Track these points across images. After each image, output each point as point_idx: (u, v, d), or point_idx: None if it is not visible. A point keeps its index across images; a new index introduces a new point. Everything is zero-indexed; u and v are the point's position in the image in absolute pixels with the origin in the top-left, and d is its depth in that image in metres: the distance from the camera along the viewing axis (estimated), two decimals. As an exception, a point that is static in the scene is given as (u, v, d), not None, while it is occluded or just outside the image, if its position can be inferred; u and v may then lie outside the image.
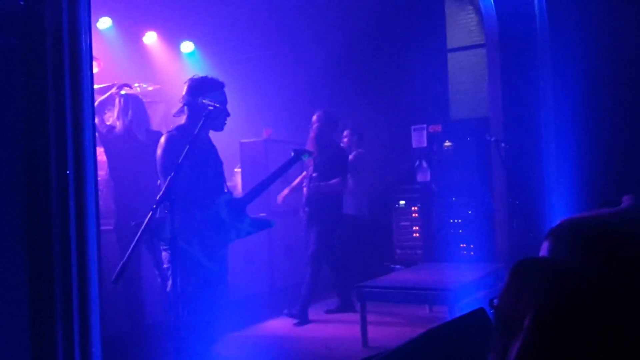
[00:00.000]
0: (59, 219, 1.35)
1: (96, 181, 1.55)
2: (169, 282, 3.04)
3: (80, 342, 1.43)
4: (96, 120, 5.01)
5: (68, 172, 1.34)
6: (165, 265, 3.04)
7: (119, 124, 4.19)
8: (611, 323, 0.90)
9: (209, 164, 3.27)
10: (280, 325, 5.22)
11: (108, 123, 4.30)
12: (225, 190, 3.36)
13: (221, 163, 3.45)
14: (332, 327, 5.15)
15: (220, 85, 3.24)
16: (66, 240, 1.37)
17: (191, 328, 3.01)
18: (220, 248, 3.17)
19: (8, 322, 1.32)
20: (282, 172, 3.47)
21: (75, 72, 1.41)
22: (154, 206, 2.54)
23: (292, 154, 3.45)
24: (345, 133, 6.78)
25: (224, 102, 3.20)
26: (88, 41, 1.48)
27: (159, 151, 3.15)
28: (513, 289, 1.00)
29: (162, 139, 3.17)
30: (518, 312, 0.96)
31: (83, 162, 1.41)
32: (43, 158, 1.36)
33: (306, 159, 3.52)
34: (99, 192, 4.96)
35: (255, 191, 3.37)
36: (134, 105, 4.28)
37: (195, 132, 2.89)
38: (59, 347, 1.39)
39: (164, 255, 3.03)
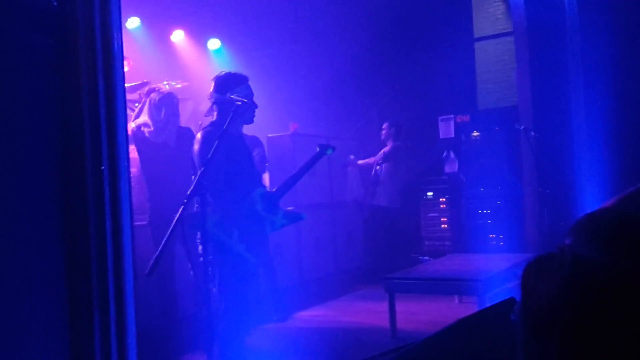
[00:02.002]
0: (95, 214, 1.40)
1: (129, 177, 1.59)
2: (208, 273, 3.12)
3: (117, 333, 1.48)
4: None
5: (103, 167, 1.39)
6: (202, 259, 3.11)
7: (150, 122, 4.26)
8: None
9: (243, 159, 3.32)
10: (309, 316, 5.27)
11: (139, 121, 4.38)
12: (259, 185, 3.43)
13: (252, 157, 3.51)
14: (361, 318, 5.17)
15: (245, 79, 3.29)
16: (102, 235, 1.42)
17: (228, 319, 3.07)
18: (258, 240, 3.23)
19: (49, 314, 1.38)
20: (310, 166, 3.50)
21: (107, 70, 1.45)
22: (185, 201, 2.59)
23: (318, 149, 3.48)
24: (383, 125, 6.82)
25: (250, 95, 3.25)
26: (119, 40, 1.52)
27: (196, 147, 3.22)
28: (533, 290, 0.98)
29: (199, 135, 3.24)
30: (545, 314, 0.94)
31: (117, 158, 1.46)
32: (79, 155, 1.40)
33: (330, 153, 3.56)
34: (132, 189, 5.12)
35: (286, 185, 3.43)
36: (168, 103, 4.35)
37: (224, 127, 2.94)
38: (96, 338, 1.44)
39: (201, 248, 3.10)
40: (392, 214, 6.67)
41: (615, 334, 0.88)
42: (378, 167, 6.76)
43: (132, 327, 1.56)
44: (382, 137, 6.83)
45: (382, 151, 6.78)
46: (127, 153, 1.56)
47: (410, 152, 6.97)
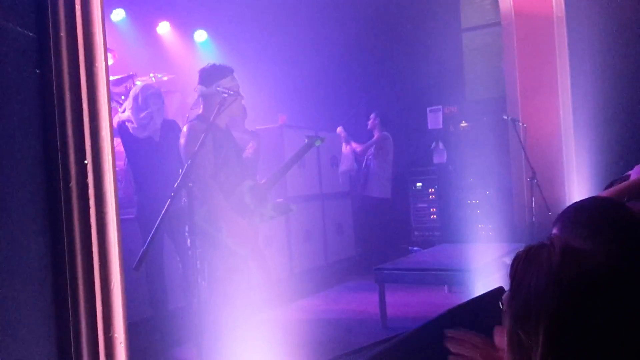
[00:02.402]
0: (79, 208, 1.39)
1: (114, 171, 1.57)
2: (197, 266, 3.10)
3: (104, 327, 1.47)
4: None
5: (86, 162, 1.37)
6: (190, 252, 3.10)
7: (133, 119, 4.22)
8: (629, 305, 0.89)
9: (230, 151, 3.31)
10: (300, 309, 5.28)
11: (123, 116, 4.34)
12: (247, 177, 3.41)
13: (240, 148, 3.50)
14: (351, 308, 5.19)
15: (230, 71, 3.27)
16: (87, 229, 1.41)
17: (217, 312, 3.07)
18: (247, 233, 3.22)
19: (34, 309, 1.37)
20: (298, 158, 3.50)
21: (90, 63, 1.43)
22: (172, 194, 2.58)
23: (306, 140, 3.47)
24: (370, 116, 6.82)
25: (236, 87, 3.23)
26: (102, 32, 1.50)
27: (182, 140, 3.20)
28: (522, 282, 0.98)
29: (185, 128, 3.22)
30: (532, 304, 0.94)
31: (100, 152, 1.44)
32: (62, 149, 1.39)
33: (319, 144, 3.55)
34: (119, 182, 5.07)
35: (274, 177, 3.42)
36: (149, 97, 4.32)
37: (211, 120, 2.92)
38: (82, 332, 1.43)
39: (189, 241, 3.08)
40: (383, 204, 6.69)
41: (601, 324, 0.88)
42: (367, 158, 6.77)
43: (120, 320, 1.55)
44: (369, 127, 6.85)
45: (371, 141, 6.79)
46: (112, 146, 1.55)
47: (396, 142, 6.98)
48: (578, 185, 5.72)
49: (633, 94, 5.60)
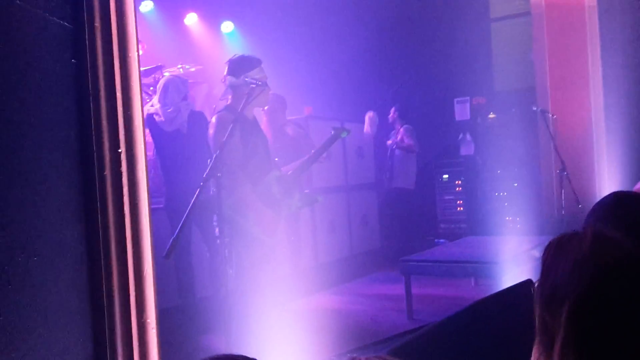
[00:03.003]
0: (113, 196, 1.42)
1: (146, 160, 1.60)
2: (225, 255, 3.15)
3: (137, 314, 1.50)
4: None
5: (120, 150, 1.40)
6: (219, 241, 3.14)
7: (160, 112, 4.27)
8: None
9: (258, 142, 3.33)
10: (326, 299, 5.30)
11: (151, 109, 4.39)
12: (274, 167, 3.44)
13: (267, 139, 3.52)
14: (377, 300, 5.19)
15: (258, 62, 3.29)
16: (121, 217, 1.43)
17: (245, 301, 3.11)
18: (274, 222, 3.23)
19: (70, 295, 1.40)
20: (324, 150, 3.51)
21: (123, 53, 1.46)
22: (201, 184, 2.61)
23: (332, 132, 3.47)
24: (391, 110, 6.85)
25: (263, 77, 3.24)
26: (134, 23, 1.53)
27: (211, 131, 3.24)
28: (551, 268, 0.99)
29: (214, 119, 3.25)
30: (559, 287, 0.94)
31: (134, 141, 1.47)
32: (96, 138, 1.42)
33: (345, 136, 3.54)
34: (149, 173, 5.15)
35: (301, 168, 3.44)
36: (175, 89, 4.36)
37: (239, 110, 2.94)
38: (116, 318, 1.47)
39: (218, 230, 3.13)
40: (407, 195, 6.70)
41: (624, 310, 0.87)
42: (391, 150, 6.79)
43: (152, 306, 1.58)
44: (390, 120, 6.88)
45: (395, 135, 6.80)
46: (144, 136, 1.57)
47: (423, 134, 6.94)
48: (609, 178, 5.61)
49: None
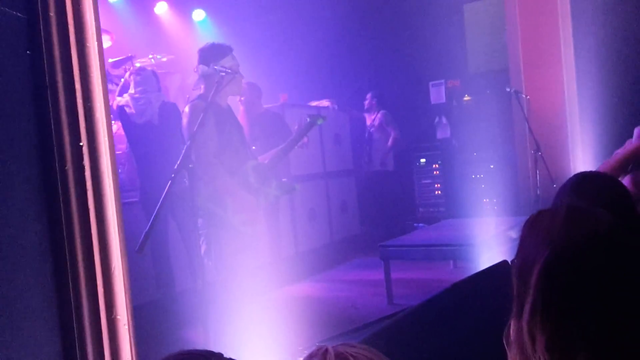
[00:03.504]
0: (76, 189, 1.38)
1: (112, 152, 1.56)
2: (203, 247, 3.11)
3: (107, 311, 1.47)
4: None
5: (81, 144, 1.36)
6: (200, 232, 3.10)
7: (131, 104, 4.20)
8: (620, 263, 0.89)
9: (233, 130, 3.28)
10: (306, 287, 5.30)
11: (121, 101, 4.31)
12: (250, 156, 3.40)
13: (242, 128, 3.48)
14: (358, 287, 5.21)
15: (229, 50, 3.23)
16: (85, 212, 1.40)
17: (224, 292, 3.09)
18: (253, 212, 3.20)
19: (34, 295, 1.36)
20: (300, 137, 3.48)
21: (81, 43, 1.41)
22: (172, 175, 2.56)
23: (308, 119, 3.43)
24: (367, 96, 6.86)
25: (235, 66, 3.19)
26: (93, 12, 1.47)
27: (184, 120, 3.19)
28: (525, 240, 1.00)
29: (186, 109, 3.20)
30: (530, 256, 0.96)
31: (96, 133, 1.43)
32: (56, 132, 1.37)
33: (321, 123, 3.52)
34: (122, 166, 5.07)
35: (277, 157, 3.41)
36: (143, 81, 4.28)
37: (209, 99, 2.89)
38: (84, 317, 1.43)
39: (200, 221, 3.08)
40: (386, 177, 6.74)
41: (593, 274, 0.88)
42: (368, 134, 6.84)
43: (122, 302, 1.54)
44: (365, 107, 6.90)
45: (372, 119, 6.82)
46: (109, 128, 1.53)
47: (399, 118, 6.97)
48: (583, 157, 5.67)
49: (638, 64, 5.52)
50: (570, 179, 1.53)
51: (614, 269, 0.89)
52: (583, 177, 1.50)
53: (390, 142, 6.77)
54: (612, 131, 4.19)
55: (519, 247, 1.02)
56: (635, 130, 2.33)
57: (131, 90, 4.23)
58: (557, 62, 5.87)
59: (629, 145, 2.30)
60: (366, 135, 6.91)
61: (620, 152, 2.39)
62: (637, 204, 1.80)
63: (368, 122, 6.97)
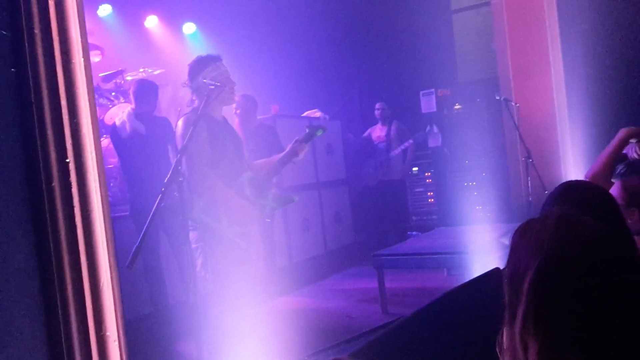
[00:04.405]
0: (63, 206, 1.37)
1: (102, 167, 1.55)
2: (199, 261, 3.07)
3: (96, 328, 1.45)
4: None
5: (67, 160, 1.35)
6: (193, 245, 3.06)
7: (123, 112, 4.20)
8: (607, 271, 0.90)
9: (227, 143, 3.24)
10: (301, 298, 5.29)
11: (112, 113, 4.32)
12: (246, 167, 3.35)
13: (239, 139, 3.43)
14: (352, 296, 5.20)
15: (212, 59, 3.20)
16: (72, 228, 1.39)
17: (220, 305, 3.06)
18: (249, 224, 3.17)
19: (24, 314, 1.35)
20: (299, 149, 3.34)
21: (66, 59, 1.41)
22: (162, 189, 2.55)
23: (307, 130, 3.34)
24: (377, 105, 6.86)
25: (220, 74, 3.16)
26: (78, 27, 1.47)
27: (177, 133, 3.15)
28: (516, 249, 1.01)
29: (180, 122, 3.16)
30: (522, 263, 0.96)
31: (82, 149, 1.42)
32: (42, 148, 1.37)
33: (320, 134, 3.43)
34: (114, 180, 5.05)
35: (274, 168, 3.34)
36: (145, 90, 4.30)
37: (199, 112, 2.89)
38: (73, 334, 1.42)
39: (192, 234, 3.04)
40: (380, 185, 6.85)
41: (584, 281, 0.89)
42: (385, 144, 6.88)
43: (112, 318, 1.53)
44: (378, 117, 6.89)
45: (387, 130, 6.83)
46: (97, 143, 1.52)
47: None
48: (574, 162, 5.71)
49: (625, 70, 5.58)
50: (556, 188, 1.55)
51: (603, 276, 0.90)
52: (568, 186, 1.52)
53: (410, 152, 6.85)
54: (601, 136, 4.21)
55: (510, 255, 1.03)
56: (619, 132, 2.38)
57: (125, 104, 4.24)
58: (546, 70, 5.92)
59: (610, 144, 2.36)
60: (380, 145, 6.90)
61: (604, 152, 2.43)
62: (627, 209, 1.81)
63: (378, 133, 6.94)
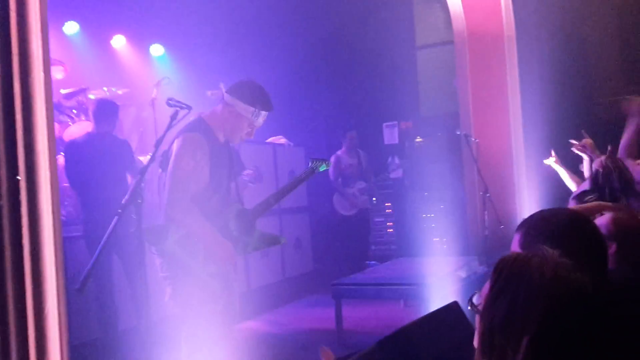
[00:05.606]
0: (10, 227, 1.32)
1: (56, 186, 1.51)
2: (168, 289, 2.83)
3: (37, 354, 1.39)
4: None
5: (18, 177, 1.31)
6: (161, 274, 2.81)
7: (79, 129, 4.13)
8: (611, 324, 0.91)
9: (224, 170, 2.94)
10: (257, 326, 5.20)
11: (74, 129, 4.24)
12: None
13: (240, 165, 3.15)
14: (308, 324, 5.15)
15: (267, 107, 3.05)
16: (19, 250, 1.33)
17: (170, 330, 2.93)
18: (225, 265, 2.86)
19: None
20: (298, 184, 3.14)
21: (25, 73, 1.37)
22: (119, 210, 2.48)
23: (310, 163, 3.10)
24: (350, 134, 6.83)
25: (257, 124, 3.02)
26: (40, 43, 1.44)
27: (175, 152, 2.80)
28: (504, 288, 0.98)
29: (180, 141, 2.83)
30: (517, 314, 0.95)
31: (36, 167, 1.38)
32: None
33: (324, 169, 3.18)
34: (69, 198, 4.91)
35: (266, 203, 3.05)
36: (104, 110, 4.23)
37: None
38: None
39: (159, 262, 2.79)
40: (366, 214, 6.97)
41: (584, 339, 0.89)
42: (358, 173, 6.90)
43: (56, 345, 1.47)
44: (347, 145, 6.83)
45: (358, 158, 6.90)
46: (52, 162, 1.48)
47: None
48: (529, 199, 5.86)
49: (580, 110, 5.81)
50: (532, 216, 1.49)
51: (597, 334, 0.91)
52: (545, 215, 1.47)
53: (372, 180, 6.93)
54: (555, 174, 4.35)
55: (497, 294, 0.99)
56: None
57: (86, 122, 4.16)
58: (505, 108, 6.11)
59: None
60: (350, 174, 6.87)
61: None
62: (615, 242, 1.79)
63: (348, 161, 6.87)
